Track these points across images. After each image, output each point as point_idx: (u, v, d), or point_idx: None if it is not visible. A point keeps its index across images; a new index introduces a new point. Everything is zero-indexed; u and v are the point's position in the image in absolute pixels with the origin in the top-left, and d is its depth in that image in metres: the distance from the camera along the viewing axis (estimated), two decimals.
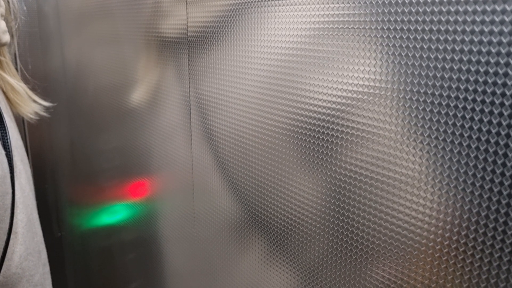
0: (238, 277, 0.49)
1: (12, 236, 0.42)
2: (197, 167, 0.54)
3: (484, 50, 0.23)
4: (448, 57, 0.25)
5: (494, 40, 0.23)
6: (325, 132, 0.34)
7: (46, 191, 1.11)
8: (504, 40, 0.22)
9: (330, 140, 0.34)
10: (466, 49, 0.24)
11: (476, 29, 0.23)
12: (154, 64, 0.60)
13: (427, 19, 0.26)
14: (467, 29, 0.24)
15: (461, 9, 0.24)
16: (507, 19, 0.22)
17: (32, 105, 0.54)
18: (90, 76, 0.83)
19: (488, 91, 0.23)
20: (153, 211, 0.69)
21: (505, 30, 0.22)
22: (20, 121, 0.98)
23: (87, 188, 0.98)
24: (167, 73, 0.57)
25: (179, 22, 0.52)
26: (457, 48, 0.25)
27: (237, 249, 0.48)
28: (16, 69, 0.53)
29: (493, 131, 0.23)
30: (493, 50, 0.23)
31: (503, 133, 0.23)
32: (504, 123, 0.23)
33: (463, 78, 0.24)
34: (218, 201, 0.50)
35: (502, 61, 0.22)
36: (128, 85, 0.68)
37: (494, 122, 0.23)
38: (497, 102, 0.23)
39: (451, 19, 0.25)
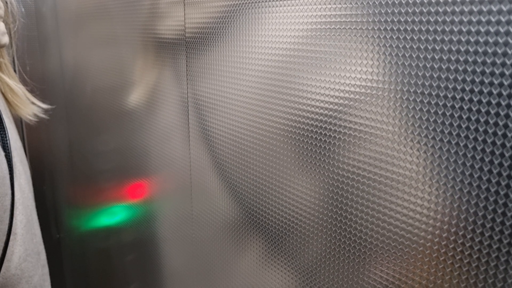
0: (236, 277, 0.49)
1: (11, 237, 0.42)
2: (195, 168, 0.54)
3: (480, 50, 0.23)
4: (444, 57, 0.25)
5: (491, 40, 0.23)
6: (322, 133, 0.34)
7: (45, 192, 1.11)
8: (501, 40, 0.22)
9: (327, 141, 0.34)
10: (462, 49, 0.24)
11: (473, 29, 0.24)
12: (152, 65, 0.60)
13: (424, 20, 0.26)
14: (464, 29, 0.24)
15: (457, 9, 0.24)
16: (503, 19, 0.22)
17: (31, 107, 0.54)
18: (88, 77, 0.83)
19: (485, 91, 0.24)
20: (151, 212, 0.69)
21: (501, 30, 0.22)
22: (18, 122, 0.98)
23: (85, 190, 0.98)
24: (165, 74, 0.57)
25: (177, 23, 0.52)
26: (453, 48, 0.25)
27: (235, 249, 0.48)
28: (15, 71, 0.53)
29: (490, 131, 0.24)
30: (490, 50, 0.23)
31: (499, 133, 0.23)
32: (500, 123, 0.23)
33: (459, 78, 0.25)
34: (216, 202, 0.50)
35: (498, 61, 0.23)
36: (126, 87, 0.68)
37: (491, 122, 0.24)
38: (493, 102, 0.23)
39: (448, 19, 0.25)
